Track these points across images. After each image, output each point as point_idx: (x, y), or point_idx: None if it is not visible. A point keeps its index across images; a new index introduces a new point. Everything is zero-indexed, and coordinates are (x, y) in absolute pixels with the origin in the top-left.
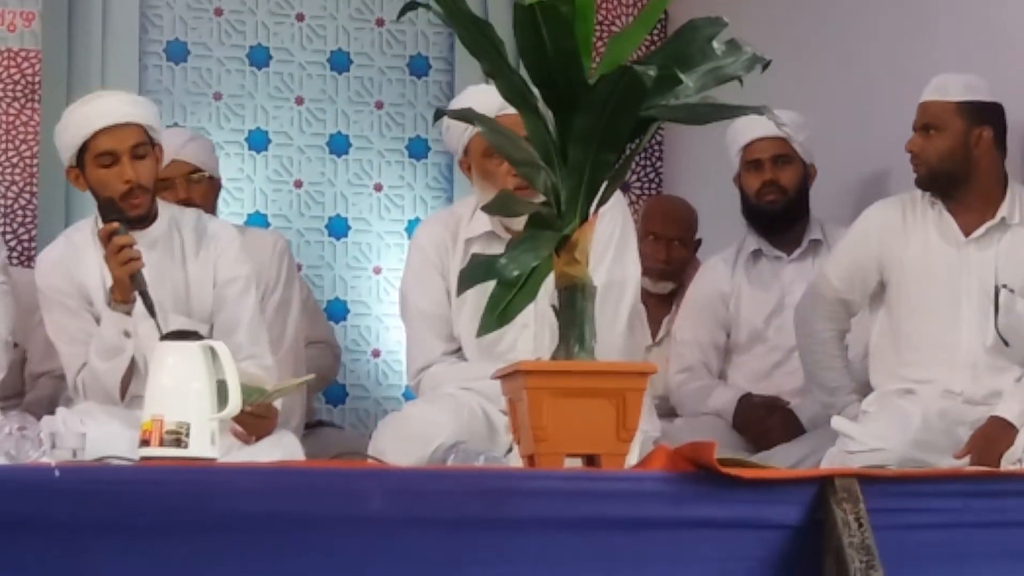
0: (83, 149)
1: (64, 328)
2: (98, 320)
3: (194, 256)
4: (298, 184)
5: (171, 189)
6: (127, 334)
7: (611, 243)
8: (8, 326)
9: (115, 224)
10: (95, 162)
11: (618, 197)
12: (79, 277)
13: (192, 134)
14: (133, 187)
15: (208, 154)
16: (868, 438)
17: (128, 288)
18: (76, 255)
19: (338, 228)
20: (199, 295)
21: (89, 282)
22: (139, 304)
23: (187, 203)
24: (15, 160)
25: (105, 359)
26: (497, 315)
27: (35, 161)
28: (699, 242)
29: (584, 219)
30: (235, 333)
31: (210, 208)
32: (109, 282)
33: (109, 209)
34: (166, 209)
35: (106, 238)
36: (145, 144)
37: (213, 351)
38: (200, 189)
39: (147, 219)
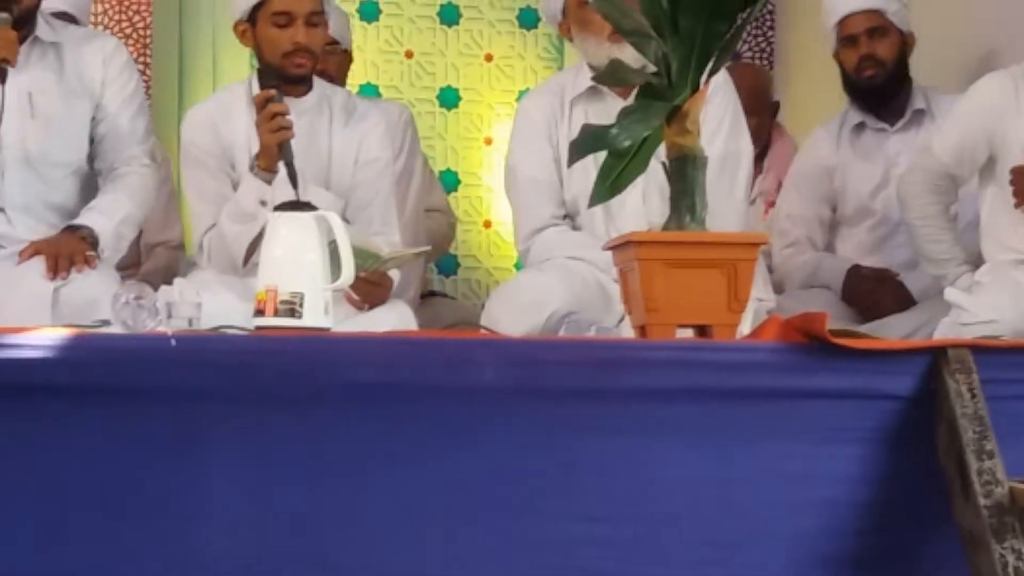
0: (259, 6)
1: (201, 186)
2: (235, 185)
3: (340, 131)
4: (409, 54)
5: None
6: (263, 203)
7: (725, 118)
8: (147, 208)
9: (272, 91)
10: (270, 20)
11: (725, 75)
12: (226, 139)
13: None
14: (300, 48)
15: (345, 27)
16: (981, 309)
17: (274, 157)
18: (225, 116)
19: (449, 98)
20: (340, 169)
21: (235, 145)
22: (280, 174)
23: (321, 75)
24: (128, 31)
25: (237, 223)
26: (609, 185)
27: (148, 32)
28: (777, 104)
29: (695, 89)
30: (368, 209)
31: (341, 81)
32: (254, 147)
33: (269, 75)
34: (319, 85)
35: (262, 103)
36: (320, 14)
37: (327, 221)
38: (334, 61)
39: (304, 85)
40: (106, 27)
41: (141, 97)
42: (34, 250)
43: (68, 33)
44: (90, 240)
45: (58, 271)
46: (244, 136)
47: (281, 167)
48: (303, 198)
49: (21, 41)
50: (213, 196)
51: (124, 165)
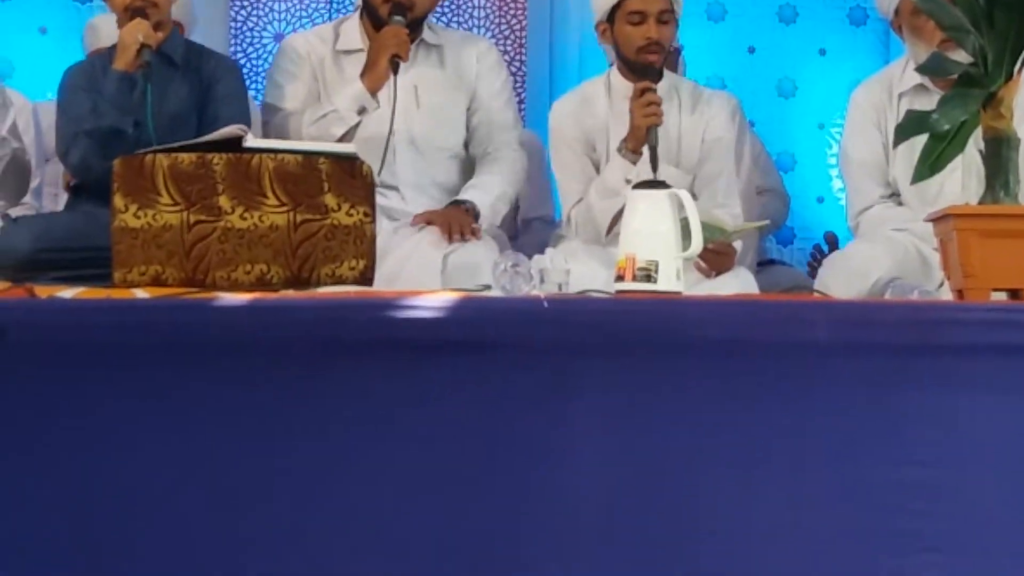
0: (616, 7)
1: (568, 165)
2: (596, 165)
3: (689, 114)
4: (751, 50)
5: None
6: (628, 181)
7: None
8: (518, 187)
9: (649, 82)
10: (625, 19)
11: None
12: (587, 124)
13: None
14: (652, 44)
15: None
16: None
17: (642, 139)
18: (587, 105)
19: (786, 89)
20: (688, 148)
21: (595, 130)
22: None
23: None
24: (507, 32)
25: (603, 198)
26: (929, 164)
27: (523, 33)
28: None
29: (1009, 77)
30: (713, 183)
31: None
32: (612, 132)
33: (636, 66)
34: (668, 76)
35: (639, 92)
36: (669, 12)
37: (678, 198)
38: None
39: (656, 76)
40: (487, 28)
41: (510, 91)
42: (427, 219)
43: (448, 36)
44: (472, 213)
45: (451, 237)
46: (603, 122)
47: (644, 150)
48: (659, 177)
49: (410, 42)
50: (578, 174)
51: (496, 150)
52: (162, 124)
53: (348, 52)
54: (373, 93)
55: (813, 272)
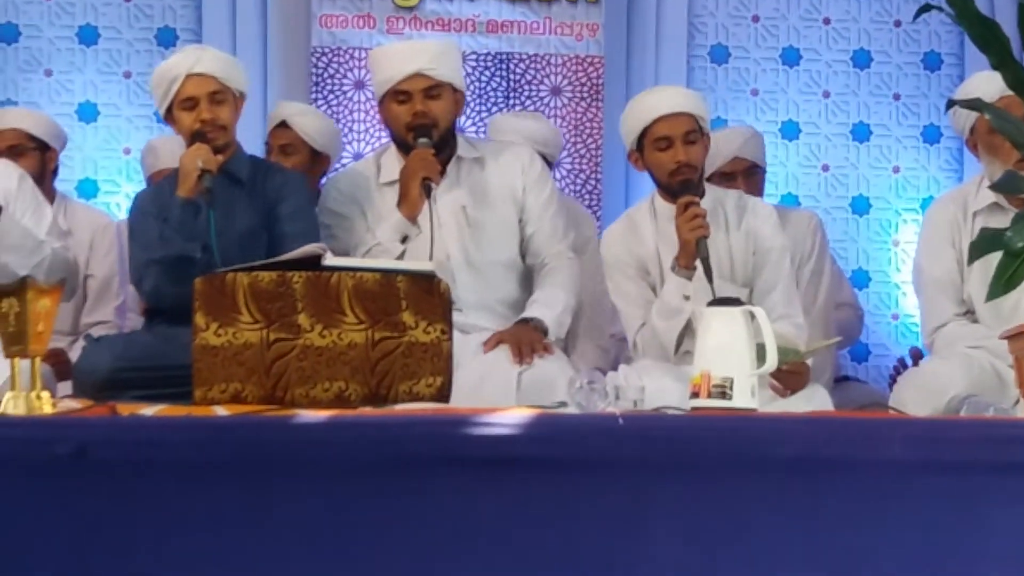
0: (643, 135)
1: (626, 291)
2: (653, 287)
3: (736, 228)
4: (825, 168)
5: None
6: (686, 297)
7: None
8: (578, 295)
9: (691, 196)
10: (653, 145)
11: None
12: (637, 250)
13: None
14: (682, 166)
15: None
16: None
17: (693, 254)
18: (635, 231)
19: (860, 206)
20: (740, 262)
21: (646, 254)
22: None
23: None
24: (583, 151)
25: (665, 318)
26: (1004, 282)
27: (599, 152)
28: None
29: None
30: (771, 295)
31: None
32: (663, 253)
33: (671, 189)
34: (711, 190)
35: (682, 207)
36: (695, 132)
37: (752, 315)
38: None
39: (697, 193)
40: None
41: (557, 198)
42: (498, 339)
43: (486, 147)
44: (540, 330)
45: (522, 357)
46: (652, 246)
47: (697, 264)
48: (717, 292)
49: (446, 161)
50: (637, 299)
51: (553, 259)
52: (230, 245)
53: (389, 184)
54: (412, 220)
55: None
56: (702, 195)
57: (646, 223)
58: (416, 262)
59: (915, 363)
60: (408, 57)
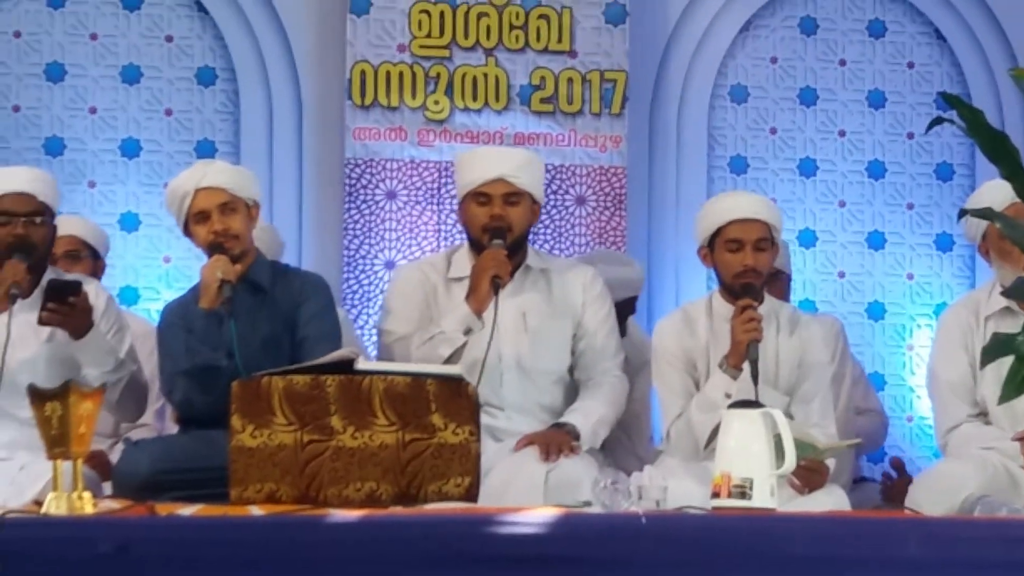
0: (716, 233)
1: (670, 382)
2: (697, 381)
3: (787, 338)
4: (841, 275)
5: None
6: (728, 395)
7: None
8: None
9: (746, 300)
10: (724, 246)
11: None
12: (688, 343)
13: None
14: (748, 270)
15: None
16: None
17: (743, 354)
18: (689, 325)
19: (876, 312)
20: (786, 370)
21: (696, 348)
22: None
23: None
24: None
25: (703, 411)
26: (1016, 385)
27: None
28: None
29: None
30: (810, 403)
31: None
32: (713, 350)
33: (733, 290)
34: (769, 299)
35: (740, 309)
36: (767, 240)
37: (772, 417)
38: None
39: (756, 298)
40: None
41: (613, 319)
42: (528, 440)
43: (553, 262)
44: (572, 435)
45: (549, 455)
46: (704, 342)
47: (745, 366)
48: (760, 395)
49: (515, 267)
50: (679, 390)
51: (600, 375)
52: (252, 352)
53: (458, 280)
54: (478, 314)
55: (886, 497)
56: (761, 301)
57: (701, 319)
58: (445, 366)
59: (899, 473)
60: (494, 162)
